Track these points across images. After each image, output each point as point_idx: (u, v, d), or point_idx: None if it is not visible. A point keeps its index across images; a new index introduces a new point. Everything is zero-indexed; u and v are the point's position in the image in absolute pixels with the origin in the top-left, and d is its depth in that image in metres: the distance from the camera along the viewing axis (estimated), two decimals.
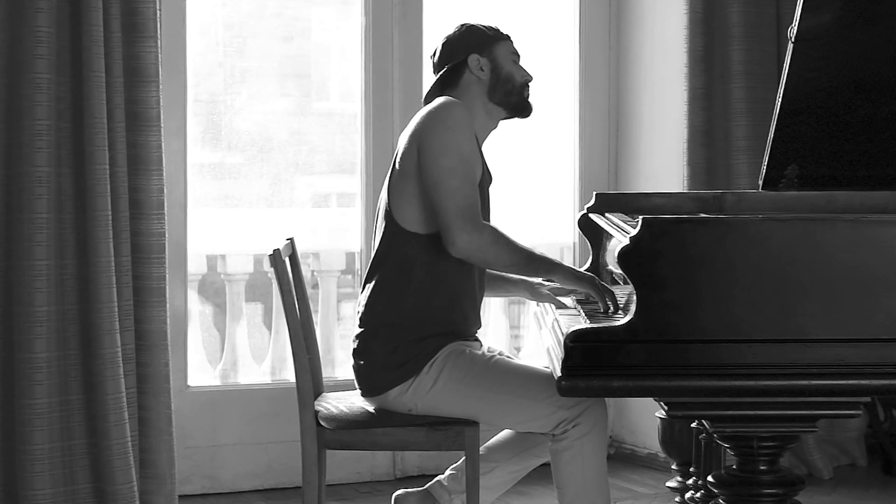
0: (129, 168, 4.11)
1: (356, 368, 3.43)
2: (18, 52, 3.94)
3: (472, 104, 3.44)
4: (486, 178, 3.44)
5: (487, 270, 3.57)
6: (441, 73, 3.48)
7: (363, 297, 3.45)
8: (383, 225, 3.42)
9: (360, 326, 3.43)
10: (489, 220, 3.46)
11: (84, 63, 3.97)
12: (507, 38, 3.51)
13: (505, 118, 3.51)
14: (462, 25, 3.52)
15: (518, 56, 3.51)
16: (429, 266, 3.35)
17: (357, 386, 3.45)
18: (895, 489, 4.80)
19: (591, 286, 3.31)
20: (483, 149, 3.49)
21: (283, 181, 5.29)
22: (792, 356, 2.65)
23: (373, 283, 3.42)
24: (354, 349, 3.43)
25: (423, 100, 3.54)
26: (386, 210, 3.41)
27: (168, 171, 4.35)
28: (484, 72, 3.44)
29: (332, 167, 5.27)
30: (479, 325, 3.51)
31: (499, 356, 3.43)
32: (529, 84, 3.50)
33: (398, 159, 3.41)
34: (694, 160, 4.82)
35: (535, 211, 5.60)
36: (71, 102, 4.02)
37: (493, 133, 3.55)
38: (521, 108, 3.49)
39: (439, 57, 3.50)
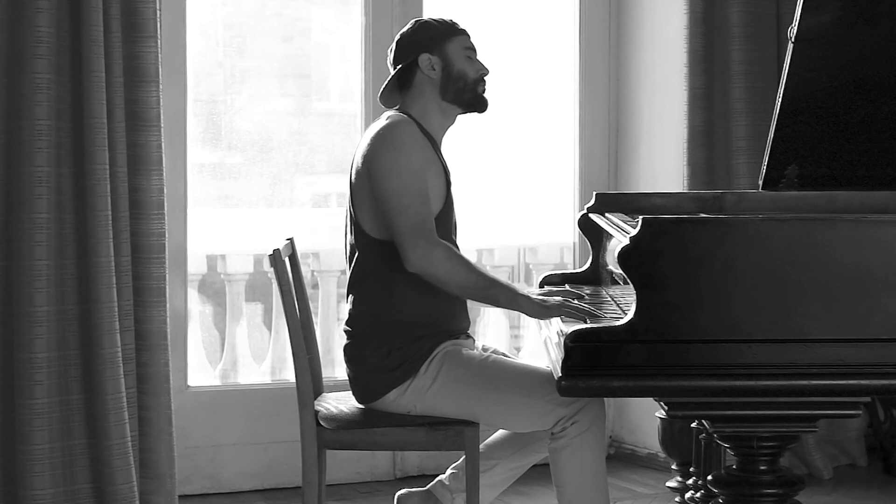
0: (129, 168, 4.11)
1: (351, 377, 3.43)
2: (18, 52, 3.94)
3: (426, 105, 3.43)
4: (446, 178, 3.42)
5: None
6: (395, 73, 3.46)
7: (348, 307, 3.45)
8: (353, 235, 3.43)
9: (348, 336, 3.43)
10: (454, 219, 3.46)
11: (84, 63, 3.97)
12: (462, 32, 3.46)
13: (461, 113, 3.49)
14: (415, 22, 3.50)
15: (473, 51, 3.47)
16: (406, 271, 3.32)
17: (353, 394, 3.45)
18: (895, 489, 4.80)
19: (562, 311, 3.21)
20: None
21: (283, 181, 5.29)
22: (792, 356, 2.65)
23: (355, 293, 3.43)
24: (346, 358, 3.43)
25: (378, 98, 3.52)
26: (353, 221, 3.42)
27: (168, 171, 4.35)
28: (435, 70, 3.41)
29: (332, 167, 5.28)
30: (468, 322, 3.51)
31: (494, 355, 3.43)
32: (485, 78, 3.46)
33: (354, 173, 3.40)
34: (694, 160, 4.82)
35: (535, 211, 5.60)
36: (71, 102, 4.02)
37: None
38: (475, 104, 3.46)
39: (394, 56, 3.47)
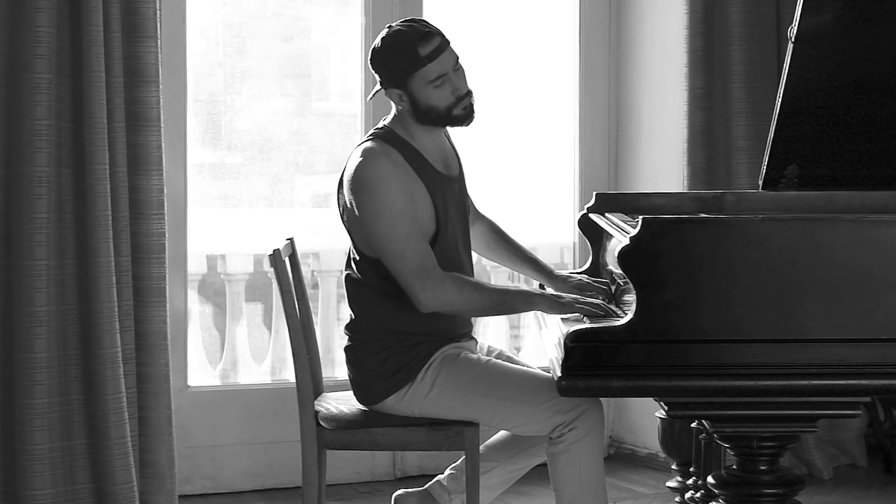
0: (129, 168, 4.11)
1: (351, 379, 3.44)
2: (18, 52, 3.94)
3: (409, 126, 3.39)
4: (442, 188, 3.39)
5: (499, 245, 3.60)
6: (374, 94, 3.45)
7: (349, 311, 3.45)
8: (351, 248, 3.42)
9: (349, 339, 3.44)
10: (455, 233, 3.42)
11: (84, 63, 3.97)
12: (424, 63, 3.28)
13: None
14: (382, 43, 3.34)
15: (442, 76, 3.30)
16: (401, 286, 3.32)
17: (354, 395, 3.46)
18: (895, 489, 4.80)
19: (575, 308, 3.22)
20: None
21: (283, 181, 5.29)
22: (792, 356, 2.65)
23: (353, 300, 3.43)
24: (347, 360, 3.43)
25: (370, 97, 3.52)
26: (349, 235, 3.41)
27: (168, 171, 4.35)
28: (405, 101, 3.35)
29: (332, 167, 5.27)
30: (470, 326, 3.50)
31: (495, 359, 3.42)
32: (466, 95, 3.34)
33: (342, 199, 3.38)
34: (694, 160, 4.82)
35: (535, 211, 5.60)
36: (71, 102, 4.02)
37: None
38: (453, 123, 3.38)
39: (373, 70, 3.40)
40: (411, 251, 3.24)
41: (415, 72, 3.31)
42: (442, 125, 3.40)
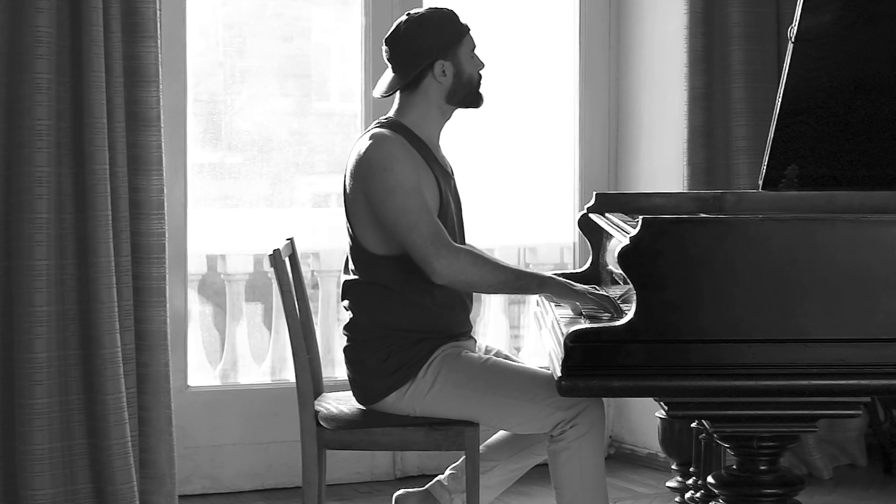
0: (129, 168, 4.11)
1: (350, 379, 3.43)
2: (18, 52, 3.94)
3: (427, 109, 3.40)
4: (443, 181, 3.40)
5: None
6: (409, 80, 3.38)
7: (347, 312, 3.44)
8: (352, 248, 3.41)
9: (348, 340, 3.43)
10: (454, 222, 3.44)
11: (84, 63, 3.97)
12: (467, 31, 3.42)
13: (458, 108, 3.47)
14: (421, 21, 3.38)
15: (475, 48, 3.43)
16: (404, 284, 3.32)
17: (354, 396, 3.45)
18: (895, 489, 4.80)
19: (587, 299, 3.24)
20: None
21: (283, 181, 5.29)
22: (792, 356, 2.65)
23: (353, 300, 3.42)
24: (346, 360, 3.43)
25: (379, 92, 3.46)
26: (351, 235, 3.41)
27: (168, 171, 4.35)
28: (446, 76, 3.37)
29: (332, 167, 5.28)
30: (469, 324, 3.50)
31: (495, 357, 3.42)
32: (481, 73, 3.44)
33: (347, 190, 3.39)
34: (694, 160, 4.82)
35: (535, 211, 5.60)
36: (71, 102, 4.02)
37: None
38: (475, 102, 3.43)
39: (398, 54, 3.39)
40: (425, 222, 3.24)
41: (462, 38, 3.40)
42: (469, 103, 3.42)
